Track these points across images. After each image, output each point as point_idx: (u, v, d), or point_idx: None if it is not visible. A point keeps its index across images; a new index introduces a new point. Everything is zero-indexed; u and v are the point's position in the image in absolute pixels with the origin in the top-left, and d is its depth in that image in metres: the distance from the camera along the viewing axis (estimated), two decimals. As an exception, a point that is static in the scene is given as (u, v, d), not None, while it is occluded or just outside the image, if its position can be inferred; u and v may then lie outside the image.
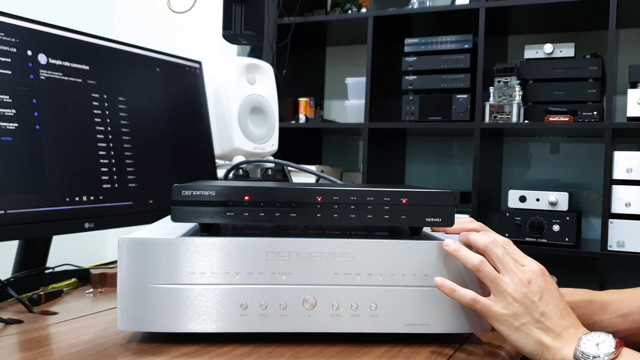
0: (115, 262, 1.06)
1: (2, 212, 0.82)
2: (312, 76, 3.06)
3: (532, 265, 0.68)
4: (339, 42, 3.02)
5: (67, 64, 0.97)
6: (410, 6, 2.61)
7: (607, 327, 0.79)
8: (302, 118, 2.76)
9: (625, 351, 0.62)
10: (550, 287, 0.67)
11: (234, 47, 2.70)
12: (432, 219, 0.70)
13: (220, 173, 1.39)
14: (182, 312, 0.66)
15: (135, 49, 1.12)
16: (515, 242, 0.76)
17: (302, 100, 2.80)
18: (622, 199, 2.11)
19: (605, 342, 0.63)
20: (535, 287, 0.66)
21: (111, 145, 1.02)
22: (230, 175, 1.40)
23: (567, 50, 2.39)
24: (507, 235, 2.17)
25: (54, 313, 0.80)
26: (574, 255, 2.25)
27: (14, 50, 0.88)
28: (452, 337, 0.71)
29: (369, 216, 0.69)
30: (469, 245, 0.70)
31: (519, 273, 0.67)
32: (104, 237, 3.05)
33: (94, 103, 1.00)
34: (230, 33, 1.66)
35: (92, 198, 0.96)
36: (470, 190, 2.41)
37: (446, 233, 0.80)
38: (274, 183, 0.91)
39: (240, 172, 1.52)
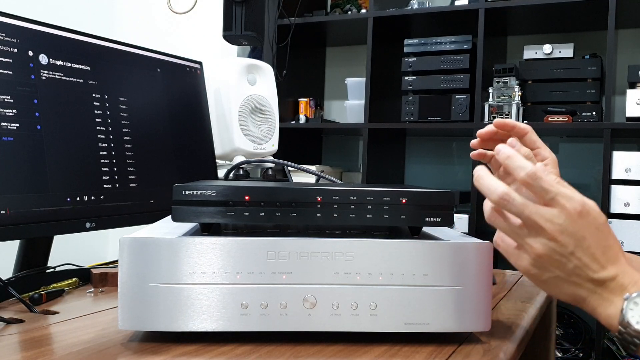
0: (116, 261, 1.06)
1: (4, 212, 0.82)
2: (312, 76, 3.06)
3: (565, 208, 0.56)
4: (339, 42, 3.03)
5: (68, 64, 0.97)
6: (409, 7, 2.62)
7: None
8: (302, 118, 2.76)
9: None
10: (589, 230, 0.56)
11: (235, 48, 2.71)
12: (432, 219, 0.71)
13: (221, 173, 1.39)
14: (183, 312, 0.66)
15: (136, 49, 1.13)
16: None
17: (302, 101, 2.81)
18: (621, 198, 2.11)
19: None
20: (566, 237, 0.56)
21: (112, 145, 1.02)
22: (231, 175, 1.41)
23: (566, 51, 2.40)
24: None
25: (55, 312, 0.80)
26: (573, 255, 2.25)
27: (15, 50, 0.88)
28: (452, 336, 0.71)
29: (368, 216, 0.70)
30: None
31: (547, 225, 0.56)
32: (105, 237, 3.06)
33: (95, 103, 1.01)
34: (231, 34, 1.67)
35: (93, 198, 0.97)
36: (470, 190, 2.41)
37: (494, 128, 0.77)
38: (274, 183, 0.91)
39: (241, 172, 1.52)
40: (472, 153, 0.82)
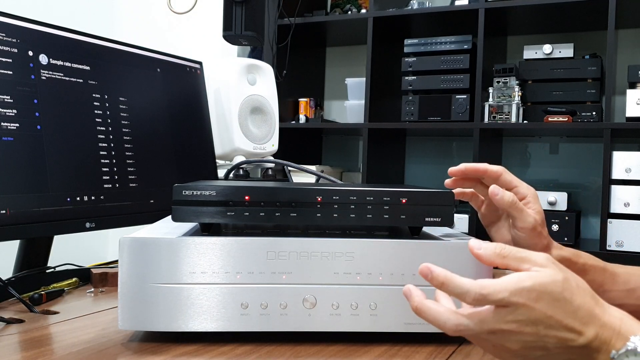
0: (116, 261, 1.06)
1: (4, 212, 0.82)
2: (312, 76, 3.07)
3: (520, 304, 0.53)
4: (339, 42, 3.03)
5: (68, 64, 0.97)
6: (409, 7, 2.62)
7: (614, 299, 0.74)
8: (302, 118, 2.77)
9: None
10: (551, 308, 0.54)
11: (235, 48, 2.71)
12: (432, 219, 0.71)
13: (221, 173, 1.39)
14: (183, 312, 0.66)
15: (136, 49, 1.13)
16: (514, 242, 0.76)
17: (302, 101, 2.81)
18: (621, 198, 2.11)
19: None
20: (532, 327, 0.54)
21: (112, 145, 1.02)
22: (231, 175, 1.41)
23: (566, 51, 2.40)
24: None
25: (55, 312, 0.80)
26: (573, 255, 2.25)
27: (15, 50, 0.88)
28: (452, 336, 0.71)
29: (368, 216, 0.70)
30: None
31: (508, 326, 0.54)
32: (105, 237, 3.06)
33: (95, 103, 1.01)
34: (231, 34, 1.67)
35: (93, 198, 0.97)
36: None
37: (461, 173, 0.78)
38: (274, 183, 0.91)
39: (241, 172, 1.52)
40: (447, 182, 0.82)
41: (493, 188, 0.75)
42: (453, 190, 0.78)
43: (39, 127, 0.90)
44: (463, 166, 0.80)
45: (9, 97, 0.86)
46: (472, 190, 0.84)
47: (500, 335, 0.55)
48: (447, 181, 0.83)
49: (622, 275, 0.78)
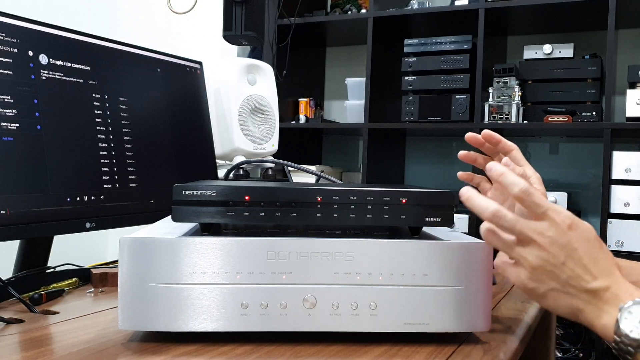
0: (116, 261, 1.06)
1: (4, 212, 0.82)
2: (312, 76, 3.07)
3: (555, 222, 0.59)
4: (339, 42, 3.03)
5: (68, 64, 0.97)
6: (409, 7, 2.62)
7: None
8: (302, 118, 2.77)
9: None
10: (579, 242, 0.59)
11: (235, 48, 2.71)
12: (432, 219, 0.71)
13: (221, 173, 1.39)
14: (183, 312, 0.66)
15: (136, 49, 1.13)
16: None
17: (302, 101, 2.81)
18: (621, 198, 2.12)
19: None
20: (557, 249, 0.58)
21: (112, 145, 1.02)
22: (231, 175, 1.41)
23: (566, 51, 2.40)
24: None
25: (55, 312, 0.80)
26: (573, 255, 2.25)
27: (15, 50, 0.88)
28: (452, 337, 0.71)
29: (368, 216, 0.70)
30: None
31: (538, 237, 0.59)
32: (105, 237, 3.06)
33: (95, 103, 1.01)
34: (231, 34, 1.67)
35: (93, 198, 0.97)
36: (470, 191, 2.40)
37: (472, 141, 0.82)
38: (274, 183, 0.91)
39: (241, 172, 1.52)
40: (460, 153, 0.86)
41: (506, 161, 0.77)
42: (463, 177, 0.84)
43: (39, 127, 0.90)
44: (482, 133, 0.84)
45: (9, 97, 0.86)
46: (482, 176, 0.86)
47: (526, 246, 0.59)
48: (461, 153, 0.86)
49: (624, 269, 0.78)
